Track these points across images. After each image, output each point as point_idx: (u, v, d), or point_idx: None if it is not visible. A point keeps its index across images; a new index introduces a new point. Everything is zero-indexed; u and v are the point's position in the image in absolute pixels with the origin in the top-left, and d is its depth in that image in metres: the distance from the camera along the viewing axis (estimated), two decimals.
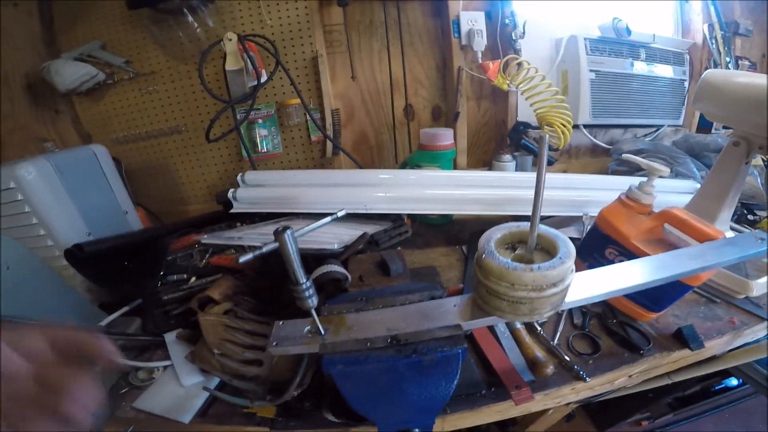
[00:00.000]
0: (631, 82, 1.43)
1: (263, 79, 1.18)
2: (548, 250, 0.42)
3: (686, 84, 1.53)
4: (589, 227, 0.83)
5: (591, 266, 0.50)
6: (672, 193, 1.06)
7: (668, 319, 0.74)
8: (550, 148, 1.23)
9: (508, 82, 1.17)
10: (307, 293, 0.44)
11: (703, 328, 0.71)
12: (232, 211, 1.01)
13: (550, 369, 0.62)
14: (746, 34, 1.51)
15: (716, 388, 1.40)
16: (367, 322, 0.49)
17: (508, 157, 1.23)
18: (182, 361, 0.69)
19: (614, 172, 1.33)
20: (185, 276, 0.87)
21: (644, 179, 0.72)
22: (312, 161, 1.36)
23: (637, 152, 1.25)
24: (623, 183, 1.01)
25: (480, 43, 1.25)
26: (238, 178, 1.05)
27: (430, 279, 0.90)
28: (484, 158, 1.49)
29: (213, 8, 1.17)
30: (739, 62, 1.50)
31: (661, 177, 0.71)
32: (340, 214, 0.58)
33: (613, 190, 0.80)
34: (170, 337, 0.75)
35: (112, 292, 0.89)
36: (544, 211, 0.97)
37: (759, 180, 1.09)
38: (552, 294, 0.39)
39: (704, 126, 1.55)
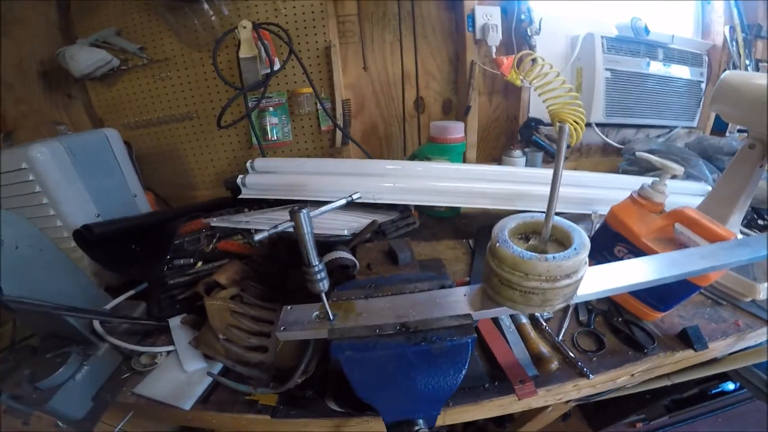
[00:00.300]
0: (646, 82, 1.41)
1: (276, 67, 1.18)
2: (562, 242, 0.42)
3: (703, 86, 1.51)
4: (597, 225, 0.83)
5: (599, 263, 0.50)
6: (682, 194, 1.05)
7: (674, 319, 0.74)
8: None
9: (521, 77, 1.16)
10: (318, 276, 0.44)
11: (708, 330, 0.70)
12: (240, 196, 1.01)
13: (554, 365, 0.62)
14: None
15: (713, 391, 1.39)
16: (377, 309, 0.49)
17: (518, 152, 1.22)
18: (186, 346, 0.69)
19: (625, 172, 1.31)
20: (192, 260, 0.87)
21: (657, 178, 0.71)
22: (321, 150, 1.36)
23: (649, 153, 1.24)
24: (634, 183, 1.00)
25: (495, 38, 1.24)
26: (248, 164, 1.05)
27: (437, 271, 0.90)
28: (493, 153, 1.48)
29: None
30: (759, 65, 1.48)
31: (674, 177, 0.71)
32: (355, 196, 0.57)
33: (623, 190, 0.80)
34: (174, 322, 0.75)
35: (119, 275, 0.89)
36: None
37: None
38: (565, 285, 0.39)
39: (719, 128, 1.53)
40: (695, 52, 1.48)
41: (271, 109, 1.27)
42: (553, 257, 0.37)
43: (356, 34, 1.29)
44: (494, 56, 1.24)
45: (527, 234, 0.45)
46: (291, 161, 1.10)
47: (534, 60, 1.12)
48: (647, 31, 1.32)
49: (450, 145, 1.11)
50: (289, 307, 0.51)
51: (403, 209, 1.03)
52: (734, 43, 1.45)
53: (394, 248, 0.75)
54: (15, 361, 0.66)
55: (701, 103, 1.52)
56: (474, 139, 1.37)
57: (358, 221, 0.83)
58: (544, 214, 0.42)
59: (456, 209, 1.19)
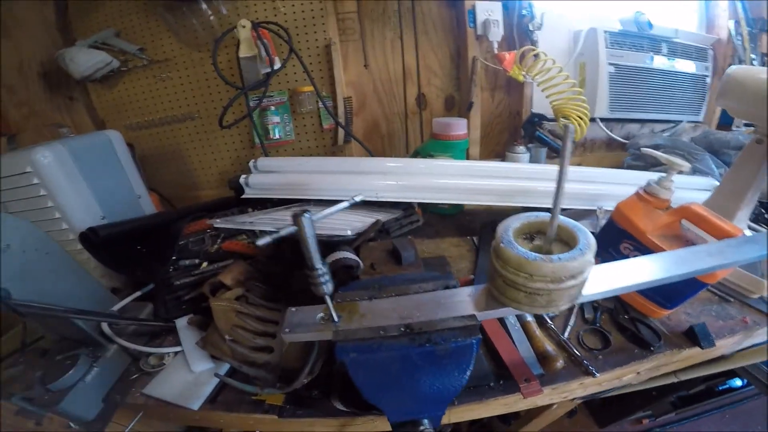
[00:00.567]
0: (650, 76, 1.40)
1: (276, 66, 1.17)
2: (567, 242, 0.42)
3: (708, 80, 1.49)
4: (603, 221, 0.82)
5: (605, 261, 0.50)
6: (689, 189, 1.04)
7: (680, 316, 0.73)
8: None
9: (524, 73, 1.16)
10: (322, 279, 0.44)
11: (715, 327, 0.70)
12: (243, 196, 1.01)
13: (559, 363, 0.62)
14: None
15: (720, 388, 1.38)
16: (380, 310, 0.49)
17: (521, 148, 1.21)
18: (193, 347, 0.69)
19: (630, 167, 1.30)
20: (197, 261, 0.87)
21: (663, 174, 0.71)
22: (323, 149, 1.36)
23: (654, 147, 1.23)
24: (639, 178, 1.00)
25: (496, 34, 1.23)
26: (251, 164, 1.05)
27: (440, 269, 0.90)
28: (497, 149, 1.48)
29: None
30: (765, 59, 1.46)
31: (680, 172, 0.70)
32: (357, 199, 0.57)
33: (628, 185, 0.79)
34: (181, 323, 0.75)
35: (125, 276, 0.90)
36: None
37: None
38: (570, 286, 0.38)
39: (725, 123, 1.52)
40: (700, 46, 1.46)
41: (272, 108, 1.27)
42: (559, 258, 0.37)
43: (356, 32, 1.28)
44: (496, 52, 1.23)
45: (532, 234, 0.44)
46: (293, 160, 1.10)
47: (536, 55, 1.12)
48: (651, 25, 1.30)
49: (453, 142, 1.10)
50: (293, 309, 0.51)
51: (407, 207, 1.03)
52: (739, 38, 1.43)
53: (398, 247, 0.75)
54: (26, 364, 0.67)
55: (706, 98, 1.50)
56: (477, 136, 1.36)
57: (361, 220, 0.83)
58: (548, 214, 0.41)
59: (459, 206, 1.19)
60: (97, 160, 0.92)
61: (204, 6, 1.14)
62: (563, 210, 1.01)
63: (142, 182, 1.07)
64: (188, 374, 0.66)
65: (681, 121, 1.48)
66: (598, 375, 0.62)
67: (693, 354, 0.67)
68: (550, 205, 0.38)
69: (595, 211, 0.94)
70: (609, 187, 0.99)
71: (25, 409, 0.59)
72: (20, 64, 1.15)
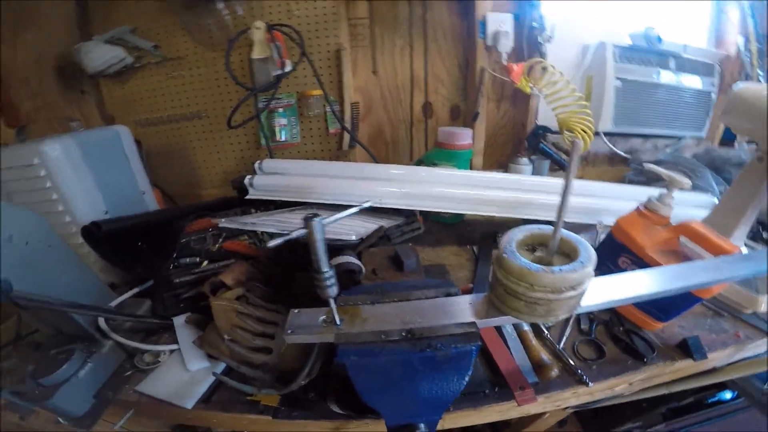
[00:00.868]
0: (656, 91, 1.40)
1: (287, 68, 1.19)
2: (568, 254, 0.42)
3: (713, 96, 1.49)
4: (602, 235, 0.83)
5: (603, 274, 0.50)
6: (688, 206, 1.05)
7: (674, 329, 0.74)
8: (568, 153, 1.22)
9: (531, 84, 1.17)
10: (328, 282, 0.45)
11: (708, 340, 0.71)
12: (248, 197, 1.02)
13: (554, 372, 0.63)
14: None
15: (710, 400, 1.38)
16: (383, 314, 0.50)
17: (525, 160, 1.22)
18: (189, 345, 0.69)
19: (631, 182, 1.31)
20: (197, 259, 0.87)
21: (664, 190, 0.72)
22: (328, 153, 1.37)
23: (656, 163, 1.24)
24: (640, 193, 1.00)
25: (506, 45, 1.24)
26: (256, 165, 1.06)
27: (440, 277, 0.91)
28: (500, 160, 1.48)
29: None
30: None
31: (681, 189, 0.71)
32: (365, 205, 0.58)
33: (628, 200, 0.80)
34: (179, 321, 0.75)
35: (125, 272, 0.90)
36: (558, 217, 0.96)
37: None
38: (570, 297, 0.39)
39: (728, 139, 1.52)
40: (707, 62, 1.47)
41: (280, 110, 1.28)
42: (560, 269, 0.38)
43: (367, 38, 1.29)
44: (505, 63, 1.24)
45: (534, 245, 0.45)
46: (299, 163, 1.10)
47: (544, 68, 1.13)
48: (660, 40, 1.31)
49: (457, 152, 1.11)
50: (296, 311, 0.52)
51: (409, 214, 1.03)
52: (748, 53, 1.43)
53: (400, 254, 0.76)
54: (19, 357, 0.66)
55: (710, 114, 1.51)
56: (481, 146, 1.37)
57: (364, 226, 0.84)
58: (550, 227, 0.42)
59: (460, 216, 1.19)
60: (104, 154, 0.93)
61: (221, 5, 1.16)
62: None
63: (147, 178, 1.08)
64: (183, 373, 0.66)
65: (684, 137, 1.49)
66: (591, 385, 0.62)
67: (685, 366, 0.68)
68: (550, 218, 0.39)
69: (594, 225, 0.95)
70: (609, 201, 0.99)
71: (13, 403, 0.58)
72: (38, 57, 1.16)
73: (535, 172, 1.24)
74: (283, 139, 1.30)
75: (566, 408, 0.74)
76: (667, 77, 1.40)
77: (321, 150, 1.36)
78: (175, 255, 0.88)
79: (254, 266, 0.79)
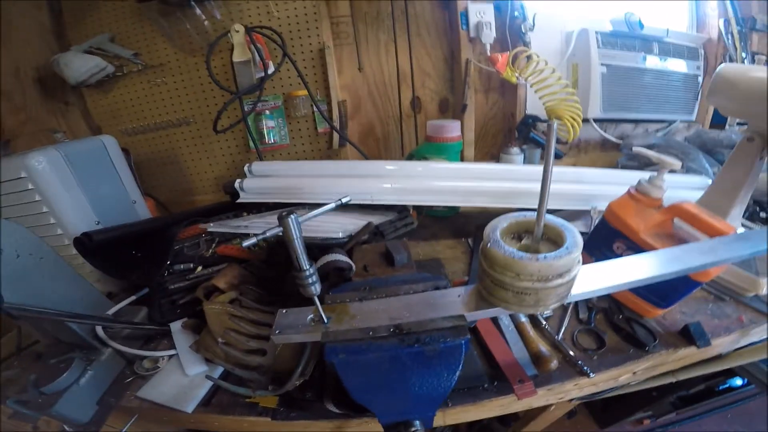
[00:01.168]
0: (643, 76, 1.40)
1: (270, 70, 1.18)
2: (555, 240, 0.42)
3: (700, 79, 1.50)
4: (597, 221, 0.82)
5: (598, 260, 0.50)
6: (682, 189, 1.05)
7: (675, 316, 0.73)
8: (559, 141, 1.22)
9: (516, 74, 1.16)
10: (310, 280, 0.44)
11: (711, 326, 0.70)
12: (239, 201, 1.01)
13: (554, 364, 0.62)
14: (763, 29, 1.48)
15: (720, 387, 1.38)
16: (371, 311, 0.49)
17: (516, 150, 1.21)
18: (187, 350, 0.69)
19: (624, 167, 1.31)
20: (192, 265, 0.87)
21: (654, 173, 0.71)
22: (319, 152, 1.36)
23: (648, 147, 1.23)
24: (632, 177, 0.99)
25: (489, 36, 1.24)
26: (245, 168, 1.05)
27: (435, 271, 0.90)
28: (491, 151, 1.48)
29: (220, 0, 1.17)
30: (755, 57, 1.47)
31: (672, 171, 0.70)
32: (344, 200, 0.57)
33: (622, 185, 0.79)
34: (176, 327, 0.75)
35: (120, 281, 0.90)
36: (553, 205, 0.96)
37: None
38: (558, 285, 0.38)
39: (718, 122, 1.52)
40: (691, 46, 1.47)
41: (267, 112, 1.27)
42: (545, 257, 0.37)
43: (350, 35, 1.29)
44: (489, 54, 1.24)
45: (519, 233, 0.44)
46: (289, 164, 1.10)
47: (529, 57, 1.12)
48: (641, 25, 1.31)
49: (447, 144, 1.10)
50: (284, 311, 0.51)
51: (401, 210, 1.03)
52: (729, 36, 1.45)
53: (391, 249, 0.75)
54: (20, 367, 0.67)
55: (699, 97, 1.51)
56: (471, 137, 1.37)
57: (354, 223, 0.83)
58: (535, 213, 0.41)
59: (455, 208, 1.19)
60: (91, 165, 0.93)
61: (198, 11, 1.15)
62: (558, 211, 1.01)
63: (138, 187, 1.07)
64: (182, 377, 0.66)
65: (675, 121, 1.49)
66: (593, 375, 0.61)
67: (689, 353, 0.67)
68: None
69: (589, 211, 0.94)
70: (603, 187, 0.98)
71: (19, 412, 0.59)
72: (16, 70, 1.15)
73: (527, 161, 1.24)
74: (272, 141, 1.29)
75: (572, 400, 0.73)
76: (652, 62, 1.41)
77: (311, 150, 1.36)
78: (169, 262, 0.88)
79: (247, 269, 0.79)
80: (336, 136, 1.30)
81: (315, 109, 1.27)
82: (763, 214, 1.06)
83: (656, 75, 1.42)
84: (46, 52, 1.14)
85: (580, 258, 0.40)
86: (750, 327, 0.71)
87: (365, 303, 0.51)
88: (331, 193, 0.94)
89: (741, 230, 0.81)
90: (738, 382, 1.37)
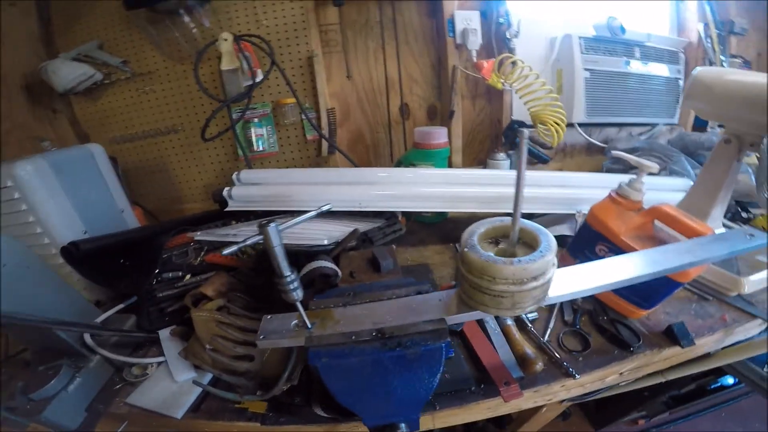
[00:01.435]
0: (626, 80, 1.43)
1: (259, 78, 1.18)
2: (530, 244, 0.43)
3: (681, 82, 1.52)
4: (581, 224, 0.83)
5: (581, 263, 0.51)
6: (666, 191, 1.06)
7: (659, 316, 0.74)
8: (544, 146, 1.23)
9: (502, 80, 1.18)
10: (291, 286, 0.45)
11: (695, 326, 0.71)
12: (227, 209, 1.01)
13: (539, 365, 0.62)
14: (741, 32, 1.52)
15: (712, 386, 1.39)
16: (354, 316, 0.50)
17: (502, 155, 1.23)
18: (176, 357, 0.70)
19: (609, 171, 1.33)
20: (180, 273, 0.87)
21: (635, 176, 0.72)
22: (308, 160, 1.37)
23: (631, 150, 1.26)
24: (617, 181, 1.01)
25: (475, 42, 1.26)
26: (234, 176, 1.05)
27: (423, 276, 0.90)
28: (480, 157, 1.49)
29: (209, 8, 1.17)
30: (731, 60, 1.51)
31: (650, 174, 0.71)
32: (324, 208, 0.58)
33: (606, 188, 0.80)
34: (164, 334, 0.75)
35: (108, 290, 0.89)
36: (539, 209, 0.97)
37: (753, 177, 1.08)
38: (533, 288, 0.39)
39: (700, 125, 1.55)
40: (672, 50, 1.50)
41: (255, 120, 1.27)
42: (519, 260, 0.38)
43: (339, 43, 1.30)
44: (475, 60, 1.25)
45: (497, 238, 0.45)
46: (277, 172, 1.10)
47: (513, 63, 1.14)
48: (623, 30, 1.33)
49: (434, 151, 1.11)
50: (269, 317, 0.52)
51: (390, 216, 1.03)
52: (709, 40, 1.48)
53: (377, 255, 0.76)
54: (8, 374, 0.66)
55: (680, 100, 1.54)
56: (459, 144, 1.38)
57: (341, 230, 0.84)
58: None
59: (443, 214, 1.20)
60: (78, 174, 0.92)
61: (186, 19, 1.15)
62: (544, 215, 1.02)
63: (126, 196, 1.07)
64: (171, 384, 0.66)
65: (657, 124, 1.51)
66: (578, 377, 0.62)
67: (674, 353, 0.68)
68: (530, 210, 0.39)
69: (574, 215, 0.95)
70: (588, 191, 0.99)
71: (8, 419, 0.59)
72: (3, 77, 1.14)
73: (514, 166, 1.25)
74: (261, 148, 1.30)
75: (563, 401, 0.74)
76: (634, 66, 1.43)
77: (300, 157, 1.36)
78: (157, 270, 0.88)
79: (236, 277, 0.79)
80: (325, 143, 1.31)
81: (304, 116, 1.27)
82: (744, 215, 1.08)
83: (639, 79, 1.45)
84: (34, 60, 1.14)
85: (555, 261, 0.41)
86: (733, 326, 0.72)
87: (349, 308, 0.52)
88: (320, 200, 0.92)
89: (721, 230, 0.83)
90: (729, 380, 1.38)
